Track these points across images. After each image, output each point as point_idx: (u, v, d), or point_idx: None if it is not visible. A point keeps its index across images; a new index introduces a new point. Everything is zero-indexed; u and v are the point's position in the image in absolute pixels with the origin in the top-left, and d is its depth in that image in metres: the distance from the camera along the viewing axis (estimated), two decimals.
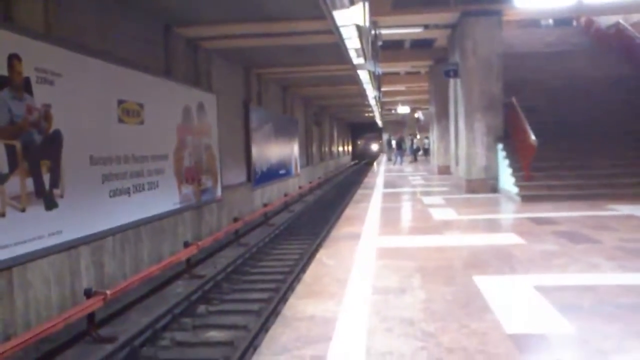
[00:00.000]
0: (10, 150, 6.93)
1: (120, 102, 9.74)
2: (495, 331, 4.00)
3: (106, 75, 9.29)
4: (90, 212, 8.69)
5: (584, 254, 6.45)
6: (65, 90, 8.03)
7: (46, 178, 7.61)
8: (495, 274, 5.67)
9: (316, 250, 9.26)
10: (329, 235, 8.64)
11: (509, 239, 7.61)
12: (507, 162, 12.68)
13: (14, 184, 6.97)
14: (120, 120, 9.77)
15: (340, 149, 58.74)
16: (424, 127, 39.70)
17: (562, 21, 22.86)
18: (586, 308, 4.49)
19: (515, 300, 4.77)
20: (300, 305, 4.76)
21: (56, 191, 7.82)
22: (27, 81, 7.27)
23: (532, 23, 23.08)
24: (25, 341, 6.34)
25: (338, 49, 13.90)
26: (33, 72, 7.36)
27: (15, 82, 7.05)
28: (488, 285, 5.22)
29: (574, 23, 23.25)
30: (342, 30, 11.24)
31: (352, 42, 12.45)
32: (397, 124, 52.20)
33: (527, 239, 7.46)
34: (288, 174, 25.43)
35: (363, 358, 3.54)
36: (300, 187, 27.23)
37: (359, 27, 11.42)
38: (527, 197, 11.43)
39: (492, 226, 9.01)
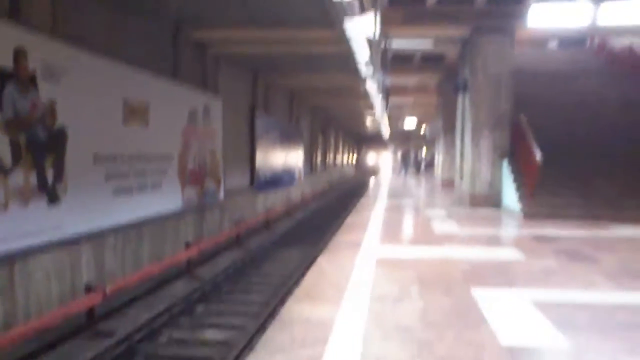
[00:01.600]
0: (15, 144, 6.99)
1: (126, 101, 9.79)
2: (491, 342, 4.01)
3: (113, 74, 9.35)
4: (92, 209, 8.73)
5: (583, 272, 6.45)
6: (71, 87, 8.08)
7: (50, 173, 7.66)
8: (494, 287, 5.68)
9: (316, 257, 9.28)
10: (330, 242, 8.64)
11: (509, 254, 7.61)
12: (511, 178, 12.70)
13: (17, 177, 7.02)
14: (125, 120, 9.82)
15: (345, 159, 58.77)
16: (429, 141, 39.66)
17: (576, 41, 22.86)
18: (582, 324, 4.50)
19: (512, 313, 4.77)
20: (298, 308, 4.78)
21: (59, 186, 7.87)
22: (32, 76, 7.32)
23: (545, 42, 23.12)
24: (25, 332, 6.38)
25: (347, 59, 14.00)
26: (39, 68, 7.41)
27: (21, 77, 7.10)
28: (486, 297, 5.23)
29: (587, 44, 23.28)
30: (352, 40, 11.34)
31: (362, 53, 12.54)
32: (403, 137, 52.22)
33: (527, 255, 7.46)
34: (291, 181, 25.45)
35: None
36: (303, 195, 27.24)
37: (369, 38, 11.50)
38: (530, 214, 11.43)
39: (493, 241, 9.00)
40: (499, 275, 6.28)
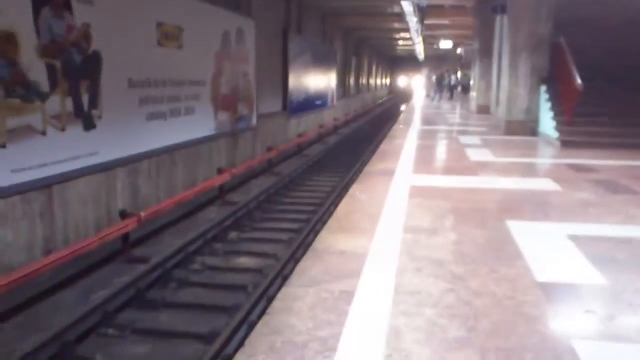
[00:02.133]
0: (51, 69, 6.96)
1: (159, 24, 9.64)
2: (525, 278, 3.98)
3: None
4: (126, 135, 8.75)
5: (622, 205, 6.32)
6: (105, 10, 7.96)
7: (85, 98, 7.65)
8: (529, 220, 5.62)
9: (349, 185, 9.28)
10: (363, 170, 8.60)
11: (546, 184, 7.49)
12: (549, 105, 12.36)
13: (54, 103, 7.03)
14: (159, 44, 9.70)
15: (379, 82, 57.93)
16: (465, 64, 38.69)
17: None
18: (620, 260, 4.42)
19: (547, 248, 4.72)
20: (332, 239, 4.80)
21: (94, 112, 7.88)
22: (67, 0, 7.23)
23: None
24: (63, 256, 6.56)
25: None
26: None
27: (56, 0, 7.01)
28: (521, 230, 5.17)
29: None
30: None
31: None
32: (438, 60, 51.06)
33: (563, 186, 7.33)
34: (324, 105, 25.23)
35: (391, 296, 3.57)
36: (335, 119, 27.07)
37: None
38: (567, 143, 11.18)
39: (529, 170, 8.85)
40: (535, 206, 6.20)
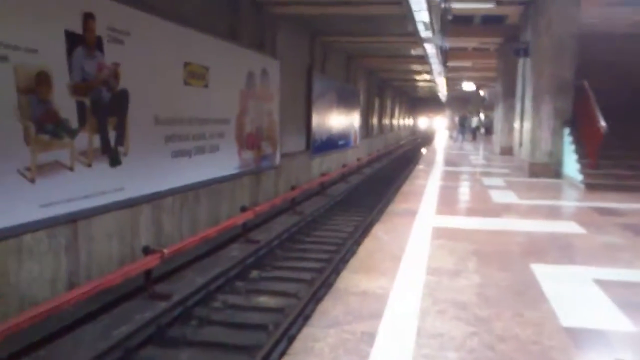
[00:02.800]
0: (81, 107, 7.12)
1: (186, 64, 9.84)
2: (551, 322, 3.92)
3: (174, 36, 9.39)
4: (152, 171, 8.87)
5: None
6: (134, 50, 8.16)
7: (112, 135, 7.79)
8: (554, 263, 5.55)
9: (371, 224, 9.24)
10: (386, 210, 8.59)
11: (570, 227, 7.41)
12: (573, 147, 12.28)
13: (82, 140, 7.16)
14: (186, 83, 9.88)
15: (402, 123, 58.12)
16: (488, 106, 38.74)
17: None
18: None
19: (573, 292, 4.65)
20: (354, 279, 4.78)
21: (121, 149, 8.01)
22: (99, 40, 7.43)
23: (615, 1, 21.99)
24: (87, 291, 6.60)
25: (405, 21, 13.68)
26: (105, 31, 7.51)
27: (89, 41, 7.22)
28: (545, 274, 5.11)
29: None
30: (411, 1, 11.04)
31: (420, 15, 12.21)
32: (461, 101, 51.19)
33: (588, 229, 7.25)
34: (347, 144, 25.35)
35: (414, 338, 3.53)
36: (358, 159, 27.14)
37: (428, 0, 11.17)
38: (592, 186, 11.08)
39: (553, 213, 8.77)
40: (560, 250, 6.13)
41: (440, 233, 6.76)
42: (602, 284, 4.82)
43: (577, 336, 3.69)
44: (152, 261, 7.85)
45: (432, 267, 5.23)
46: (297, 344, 3.39)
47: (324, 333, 3.56)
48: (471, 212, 8.76)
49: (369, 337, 3.51)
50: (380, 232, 6.75)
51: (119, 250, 8.15)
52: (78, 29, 6.99)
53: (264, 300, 8.01)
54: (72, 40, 6.89)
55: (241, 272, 8.99)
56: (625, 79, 14.30)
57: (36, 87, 6.35)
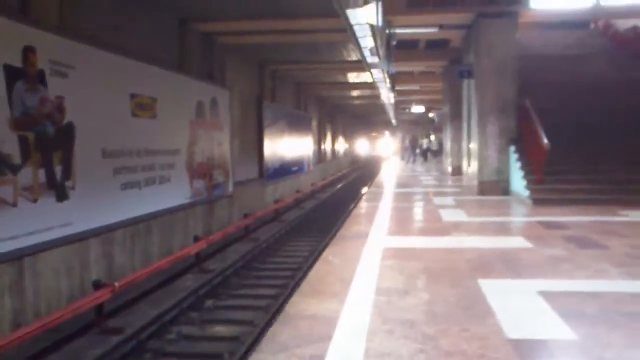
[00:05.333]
0: (24, 142, 7.00)
1: (133, 96, 9.80)
2: (497, 336, 4.00)
3: (120, 68, 9.36)
4: (101, 205, 8.74)
5: (591, 260, 6.41)
6: (79, 84, 8.10)
7: (58, 170, 7.68)
8: (501, 278, 5.67)
9: (325, 249, 9.29)
10: (338, 234, 8.64)
11: (518, 242, 7.59)
12: (519, 164, 12.63)
13: (26, 175, 7.04)
14: (134, 114, 9.83)
15: (355, 147, 58.53)
16: (438, 128, 39.49)
17: (579, 24, 22.59)
18: (590, 315, 4.47)
19: (518, 305, 4.76)
20: (303, 303, 4.79)
21: (68, 183, 7.89)
22: (41, 73, 7.35)
23: (549, 25, 22.86)
24: (34, 330, 6.43)
25: (352, 48, 13.96)
26: (47, 65, 7.44)
27: (30, 75, 7.13)
28: (492, 288, 5.21)
29: (592, 26, 23.04)
30: (356, 29, 11.26)
31: (365, 41, 12.45)
32: (412, 124, 52.04)
33: (535, 244, 7.44)
34: (301, 170, 25.44)
35: (361, 359, 3.56)
36: (313, 185, 27.23)
37: (372, 27, 11.41)
38: (539, 201, 11.38)
39: (502, 229, 8.97)
40: (507, 265, 6.25)
41: (390, 254, 6.83)
42: (546, 295, 4.95)
43: (521, 347, 3.78)
44: (103, 295, 7.70)
45: (381, 287, 5.28)
46: None
47: (273, 358, 3.56)
48: (422, 231, 8.88)
49: None
50: (331, 256, 6.79)
51: (69, 285, 7.98)
52: (18, 63, 6.91)
53: (220, 330, 7.95)
54: (12, 74, 6.80)
55: (195, 303, 8.90)
56: (567, 98, 14.81)
57: None
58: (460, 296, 5.01)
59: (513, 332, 4.07)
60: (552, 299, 4.85)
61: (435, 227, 9.16)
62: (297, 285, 9.18)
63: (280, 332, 4.04)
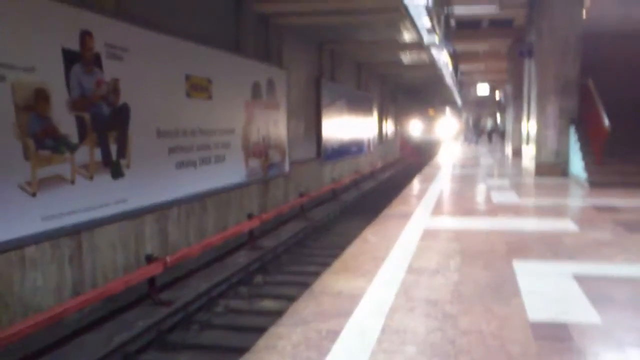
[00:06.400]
0: (80, 122, 7.38)
1: (188, 76, 10.08)
2: (518, 317, 4.01)
3: (174, 50, 9.62)
4: (155, 183, 9.09)
5: (636, 244, 6.25)
6: (134, 66, 8.42)
7: (113, 149, 8.04)
8: (536, 260, 5.62)
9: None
10: (381, 213, 8.70)
11: (564, 225, 7.45)
12: (578, 146, 12.28)
13: (83, 153, 7.42)
14: (188, 95, 10.12)
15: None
16: (503, 108, 38.58)
17: None
18: (620, 300, 4.40)
19: (549, 287, 4.72)
20: (331, 280, 4.92)
21: (123, 161, 8.25)
22: (97, 56, 7.69)
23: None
24: (90, 298, 6.84)
25: (407, 26, 13.85)
26: (103, 48, 7.77)
27: (86, 57, 7.47)
28: (526, 270, 5.18)
29: None
30: (410, 8, 11.20)
31: (421, 21, 12.36)
32: (477, 104, 50.98)
33: (582, 226, 7.29)
34: (360, 151, 25.45)
35: (377, 335, 3.66)
36: (372, 165, 27.23)
37: (428, 6, 11.31)
38: (596, 184, 11.06)
39: (550, 212, 8.78)
40: (547, 247, 6.17)
41: (430, 234, 6.85)
42: (580, 278, 4.88)
43: (539, 330, 3.78)
44: (155, 269, 8.06)
45: (413, 266, 5.33)
46: (261, 342, 3.53)
47: (290, 331, 3.70)
48: (467, 212, 8.80)
49: (334, 334, 3.64)
50: (370, 234, 6.88)
51: (124, 259, 8.38)
52: (75, 46, 7.25)
53: (266, 304, 8.19)
54: (70, 58, 7.15)
55: (245, 278, 9.17)
56: (632, 77, 14.20)
57: (35, 104, 6.61)
58: (491, 277, 5.01)
59: (536, 314, 4.07)
60: (585, 282, 4.78)
61: (483, 208, 9.09)
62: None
63: (303, 308, 4.18)
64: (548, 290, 4.63)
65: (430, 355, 3.36)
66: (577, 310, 4.17)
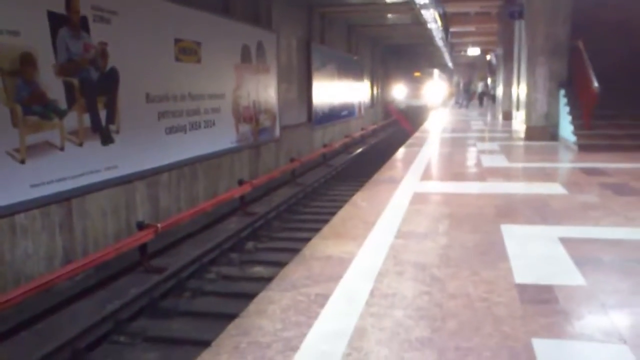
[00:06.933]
0: (69, 87, 7.31)
1: (177, 40, 9.97)
2: (504, 280, 4.07)
3: (163, 13, 9.51)
4: (145, 148, 9.07)
5: (624, 208, 6.31)
6: (122, 29, 8.32)
7: (102, 114, 7.99)
8: (524, 224, 5.68)
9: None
10: (371, 179, 8.73)
11: (552, 188, 7.51)
12: (567, 109, 12.30)
13: (72, 120, 7.37)
14: (177, 59, 10.03)
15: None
16: (494, 71, 38.47)
17: None
18: (605, 262, 4.46)
19: (535, 251, 4.78)
20: (321, 245, 4.96)
21: (112, 127, 8.21)
22: (84, 20, 7.58)
23: None
24: (81, 266, 6.86)
25: None
26: (90, 11, 7.66)
27: (73, 21, 7.37)
28: (513, 234, 5.24)
29: None
30: None
31: None
32: (468, 67, 50.77)
33: (570, 190, 7.36)
34: (351, 115, 25.39)
35: (365, 298, 3.71)
36: (363, 129, 27.19)
37: None
38: (585, 147, 11.10)
39: (539, 175, 8.83)
40: (535, 211, 6.23)
41: (419, 198, 6.89)
42: (566, 241, 4.94)
43: (525, 292, 3.84)
44: (146, 235, 8.08)
45: (402, 230, 5.38)
46: (252, 307, 3.58)
47: (280, 295, 3.75)
48: (456, 177, 8.83)
49: (323, 299, 3.69)
50: (359, 199, 6.91)
51: (115, 226, 8.40)
52: (61, 9, 7.14)
53: (258, 270, 8.25)
54: (56, 21, 7.05)
55: (236, 244, 9.21)
56: (623, 38, 14.14)
57: (21, 69, 6.54)
58: (479, 241, 5.06)
59: (522, 277, 4.13)
60: (571, 245, 4.85)
61: (472, 172, 9.14)
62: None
63: (292, 272, 4.22)
64: (535, 254, 4.70)
65: (417, 319, 3.42)
66: (563, 273, 4.23)
